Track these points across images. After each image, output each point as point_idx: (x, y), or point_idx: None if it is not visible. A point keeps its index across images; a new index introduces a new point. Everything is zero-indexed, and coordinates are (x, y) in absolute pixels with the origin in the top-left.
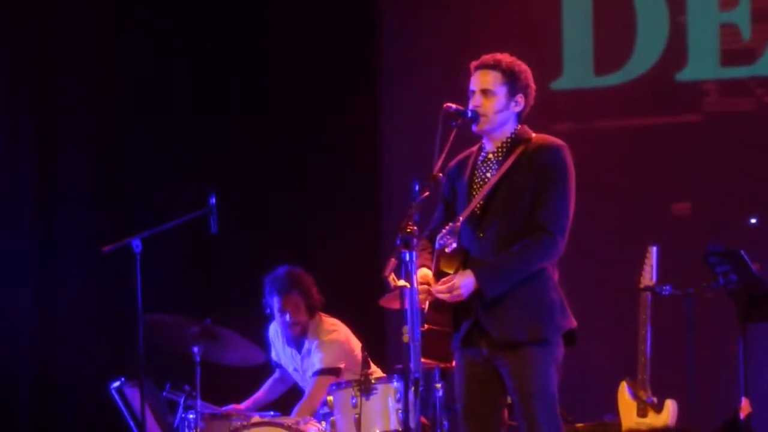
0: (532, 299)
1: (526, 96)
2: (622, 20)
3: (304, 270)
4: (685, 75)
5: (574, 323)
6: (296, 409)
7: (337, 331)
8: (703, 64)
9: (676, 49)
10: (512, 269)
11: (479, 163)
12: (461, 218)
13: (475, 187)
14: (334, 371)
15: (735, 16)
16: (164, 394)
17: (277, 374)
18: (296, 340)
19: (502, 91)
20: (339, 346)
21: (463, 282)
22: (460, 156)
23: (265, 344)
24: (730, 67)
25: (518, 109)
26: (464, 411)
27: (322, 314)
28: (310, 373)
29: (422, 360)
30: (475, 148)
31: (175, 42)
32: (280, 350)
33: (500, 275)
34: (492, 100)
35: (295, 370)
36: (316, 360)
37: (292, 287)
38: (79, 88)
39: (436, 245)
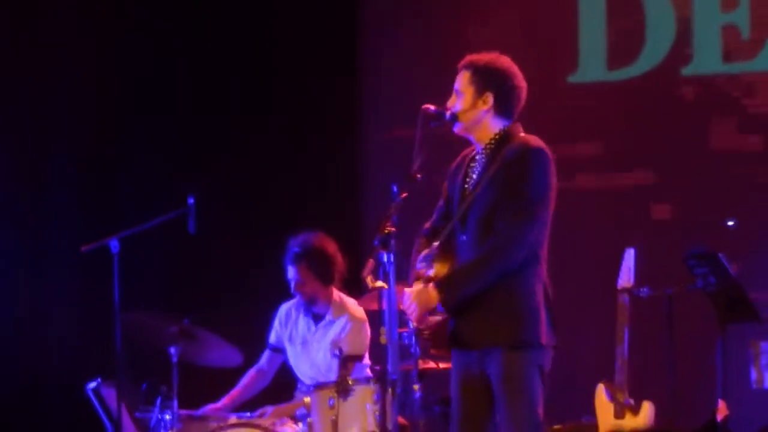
0: (498, 305)
1: (499, 94)
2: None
3: (325, 235)
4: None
5: (541, 336)
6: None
7: (363, 316)
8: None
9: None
10: (467, 278)
11: (470, 164)
12: (436, 242)
13: (465, 188)
14: (358, 358)
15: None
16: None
17: (262, 363)
18: (314, 310)
19: (470, 91)
20: (365, 332)
21: (416, 298)
22: (459, 156)
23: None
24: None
25: (486, 107)
26: (457, 414)
27: (340, 292)
28: (324, 344)
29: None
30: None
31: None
32: (290, 324)
33: (454, 285)
34: (459, 99)
35: (304, 342)
36: (344, 342)
37: (302, 256)
38: (65, 90)
39: (417, 267)
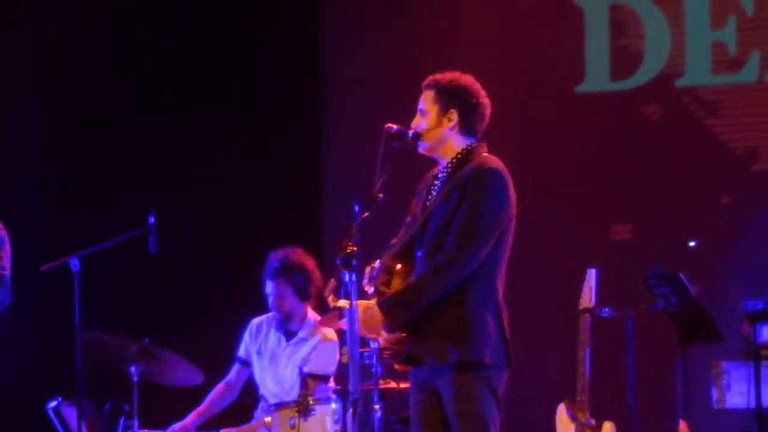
0: (446, 324)
1: (463, 111)
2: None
3: (304, 251)
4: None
5: (486, 356)
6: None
7: (335, 338)
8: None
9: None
10: (408, 299)
11: (434, 181)
12: (376, 262)
13: (426, 206)
14: (324, 379)
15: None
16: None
17: (231, 376)
18: (287, 326)
19: (434, 109)
20: (335, 354)
21: (362, 317)
22: (427, 175)
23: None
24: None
25: (451, 125)
26: None
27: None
28: (294, 361)
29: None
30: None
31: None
32: (261, 338)
33: (396, 306)
34: (424, 118)
35: (273, 356)
36: (313, 361)
37: (282, 271)
38: (23, 102)
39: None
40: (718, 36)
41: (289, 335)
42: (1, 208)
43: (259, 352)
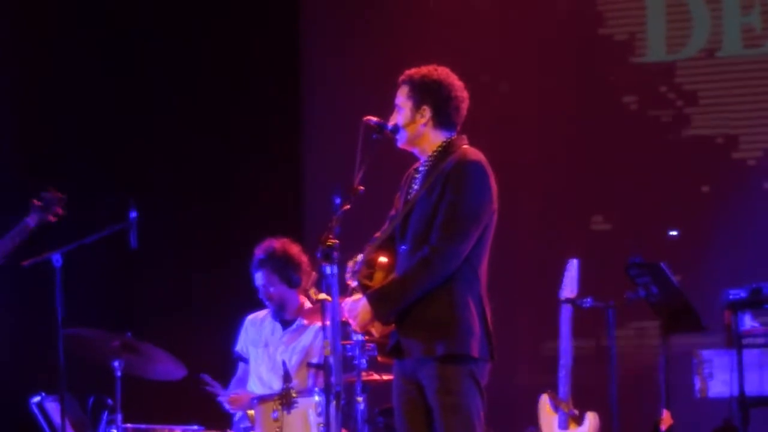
0: (431, 317)
1: (436, 106)
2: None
3: (289, 240)
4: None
5: (472, 349)
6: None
7: None
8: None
9: None
10: (396, 292)
11: (415, 175)
12: (359, 256)
13: (407, 200)
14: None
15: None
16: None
17: (238, 373)
18: (282, 316)
19: (408, 105)
20: None
21: (350, 308)
22: (409, 169)
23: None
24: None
25: (424, 120)
26: (400, 424)
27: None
28: (293, 349)
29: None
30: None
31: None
32: (255, 329)
33: (385, 299)
34: (400, 114)
35: (266, 344)
36: (315, 350)
37: (267, 261)
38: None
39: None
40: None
41: (285, 324)
42: None
43: (254, 343)
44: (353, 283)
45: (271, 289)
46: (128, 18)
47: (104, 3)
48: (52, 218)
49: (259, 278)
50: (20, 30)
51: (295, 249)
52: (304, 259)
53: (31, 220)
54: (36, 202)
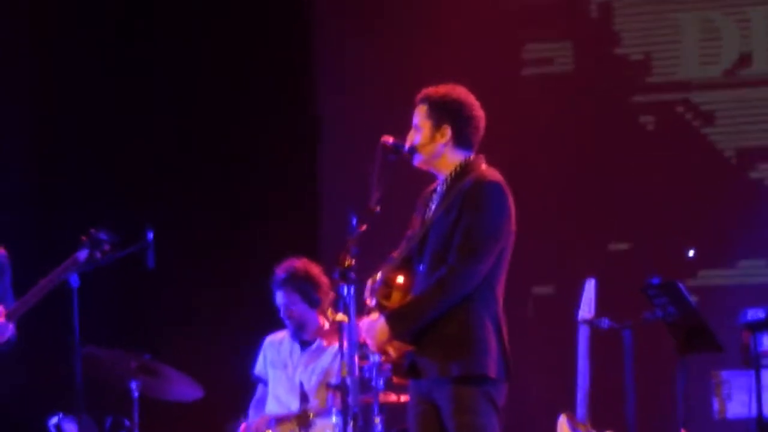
0: (448, 337)
1: (456, 126)
2: None
3: (309, 260)
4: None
5: (489, 370)
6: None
7: None
8: None
9: None
10: (415, 312)
11: (432, 196)
12: (377, 275)
13: (425, 220)
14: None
15: None
16: None
17: (258, 394)
18: (302, 336)
19: (427, 125)
20: None
21: (367, 327)
22: (426, 189)
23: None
24: None
25: (444, 140)
26: None
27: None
28: (313, 370)
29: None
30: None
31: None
32: (274, 350)
33: (404, 319)
34: (418, 134)
35: (284, 365)
36: (334, 371)
37: (289, 280)
38: (14, 117)
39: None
40: None
41: (304, 345)
42: None
43: (273, 364)
44: (372, 302)
45: (293, 309)
46: (128, 18)
47: (104, 3)
48: (99, 255)
49: (280, 297)
50: (20, 30)
51: (316, 269)
52: (324, 279)
53: (81, 255)
54: (84, 238)
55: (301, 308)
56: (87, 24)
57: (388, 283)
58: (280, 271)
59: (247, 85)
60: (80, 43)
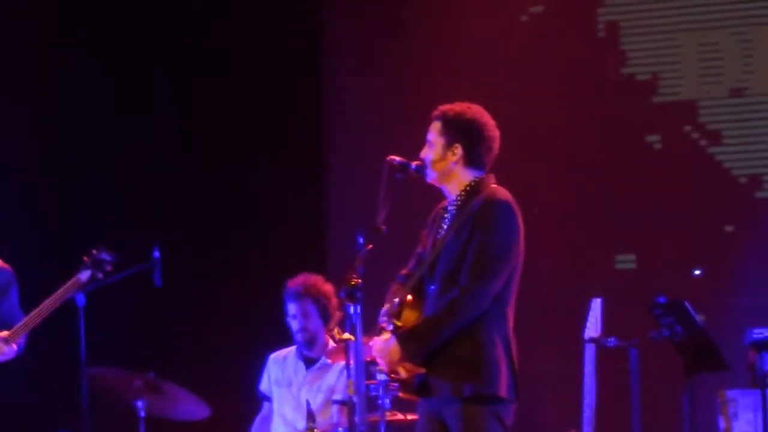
0: (459, 357)
1: (468, 146)
2: None
3: (322, 277)
4: None
5: (499, 390)
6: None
7: None
8: None
9: None
10: (426, 333)
11: (443, 214)
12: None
13: (436, 239)
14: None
15: None
16: None
17: (264, 411)
18: (308, 353)
19: (440, 142)
20: None
21: (379, 348)
22: (437, 208)
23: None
24: None
25: (455, 159)
26: None
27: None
28: (318, 388)
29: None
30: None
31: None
32: (278, 368)
33: (415, 339)
34: (430, 150)
35: (289, 383)
36: (340, 388)
37: (306, 294)
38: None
39: (379, 321)
40: None
41: (309, 363)
42: (3, 242)
43: (277, 381)
44: (388, 327)
45: (308, 323)
46: (128, 18)
47: (104, 3)
48: (101, 275)
49: (294, 308)
50: (21, 30)
51: (329, 287)
52: (335, 299)
53: (83, 276)
54: (86, 258)
55: (316, 324)
56: (87, 24)
57: (399, 302)
58: (296, 285)
59: (256, 102)
60: (80, 43)
